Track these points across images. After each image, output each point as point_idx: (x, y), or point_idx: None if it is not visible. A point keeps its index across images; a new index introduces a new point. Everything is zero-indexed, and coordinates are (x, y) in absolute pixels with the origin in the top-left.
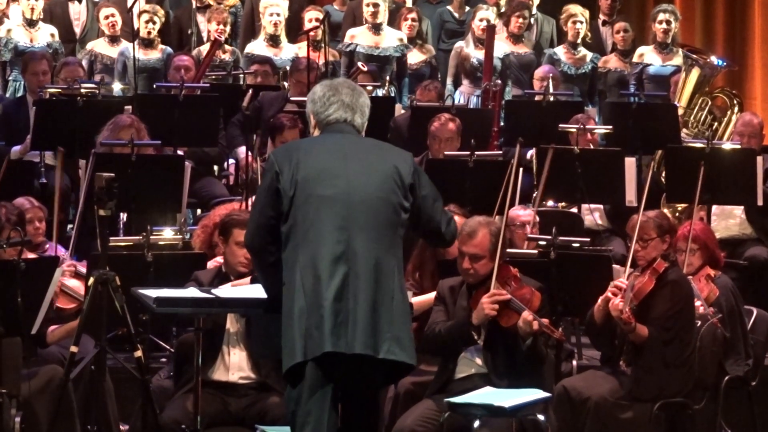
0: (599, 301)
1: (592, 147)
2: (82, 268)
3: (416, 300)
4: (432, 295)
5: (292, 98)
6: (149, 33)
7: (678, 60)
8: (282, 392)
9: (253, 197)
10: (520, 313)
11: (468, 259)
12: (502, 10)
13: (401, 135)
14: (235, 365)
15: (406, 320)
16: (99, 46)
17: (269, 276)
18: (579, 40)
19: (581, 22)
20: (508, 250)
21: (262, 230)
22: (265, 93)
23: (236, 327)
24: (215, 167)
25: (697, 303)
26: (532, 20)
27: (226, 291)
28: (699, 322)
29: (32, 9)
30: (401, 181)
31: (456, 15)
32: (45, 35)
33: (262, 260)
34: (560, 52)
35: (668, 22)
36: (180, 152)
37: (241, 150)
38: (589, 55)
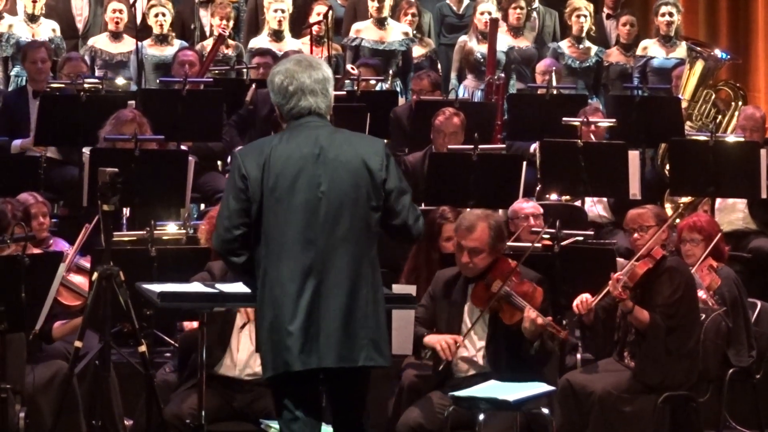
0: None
1: (595, 139)
2: (86, 264)
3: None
4: None
5: None
6: (161, 26)
7: (681, 53)
8: None
9: None
10: (522, 310)
11: (467, 253)
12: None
13: (401, 125)
14: (242, 361)
15: (381, 319)
16: (100, 42)
17: (242, 276)
18: (583, 34)
19: (585, 16)
20: (511, 244)
21: (231, 234)
22: (258, 91)
23: (245, 321)
24: (219, 162)
25: (700, 293)
26: (534, 13)
27: (230, 285)
28: (703, 316)
29: (34, 3)
30: (373, 179)
31: (455, 9)
32: (46, 30)
33: (231, 263)
34: (564, 45)
35: (670, 14)
36: (184, 147)
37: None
38: (594, 48)
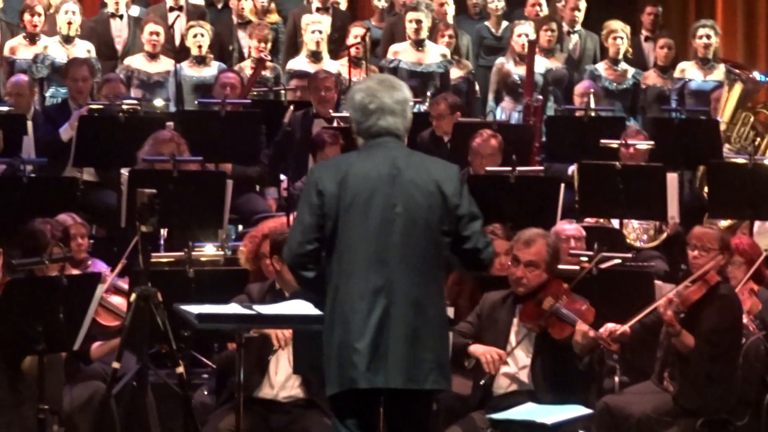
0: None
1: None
2: (124, 285)
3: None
4: None
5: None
6: (200, 47)
7: (720, 75)
8: (327, 411)
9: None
10: (572, 325)
11: (522, 267)
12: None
13: (425, 148)
14: (280, 383)
15: (445, 344)
16: (136, 61)
17: (312, 290)
18: (620, 56)
19: (621, 38)
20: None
21: (303, 248)
22: (296, 113)
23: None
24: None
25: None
26: (577, 37)
27: (268, 307)
28: (744, 339)
29: (69, 24)
30: (446, 203)
31: (494, 31)
32: (81, 52)
33: (302, 277)
34: (601, 68)
35: (708, 37)
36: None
37: (272, 192)
38: (631, 70)
